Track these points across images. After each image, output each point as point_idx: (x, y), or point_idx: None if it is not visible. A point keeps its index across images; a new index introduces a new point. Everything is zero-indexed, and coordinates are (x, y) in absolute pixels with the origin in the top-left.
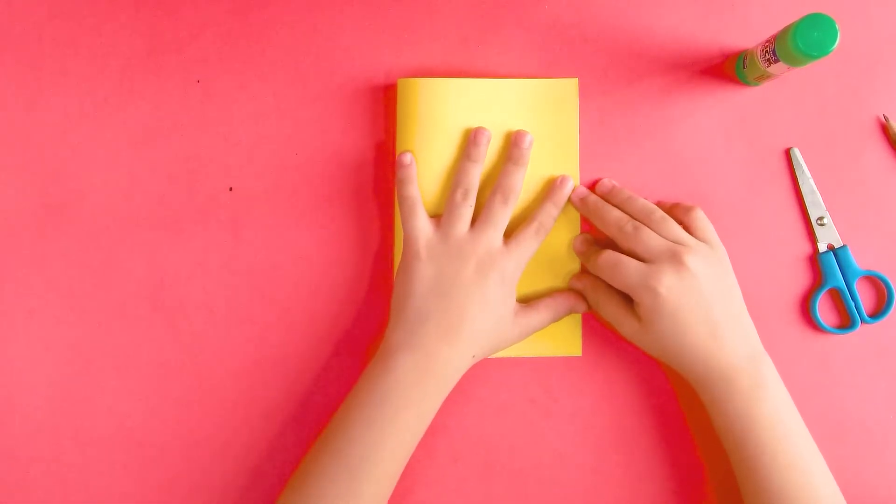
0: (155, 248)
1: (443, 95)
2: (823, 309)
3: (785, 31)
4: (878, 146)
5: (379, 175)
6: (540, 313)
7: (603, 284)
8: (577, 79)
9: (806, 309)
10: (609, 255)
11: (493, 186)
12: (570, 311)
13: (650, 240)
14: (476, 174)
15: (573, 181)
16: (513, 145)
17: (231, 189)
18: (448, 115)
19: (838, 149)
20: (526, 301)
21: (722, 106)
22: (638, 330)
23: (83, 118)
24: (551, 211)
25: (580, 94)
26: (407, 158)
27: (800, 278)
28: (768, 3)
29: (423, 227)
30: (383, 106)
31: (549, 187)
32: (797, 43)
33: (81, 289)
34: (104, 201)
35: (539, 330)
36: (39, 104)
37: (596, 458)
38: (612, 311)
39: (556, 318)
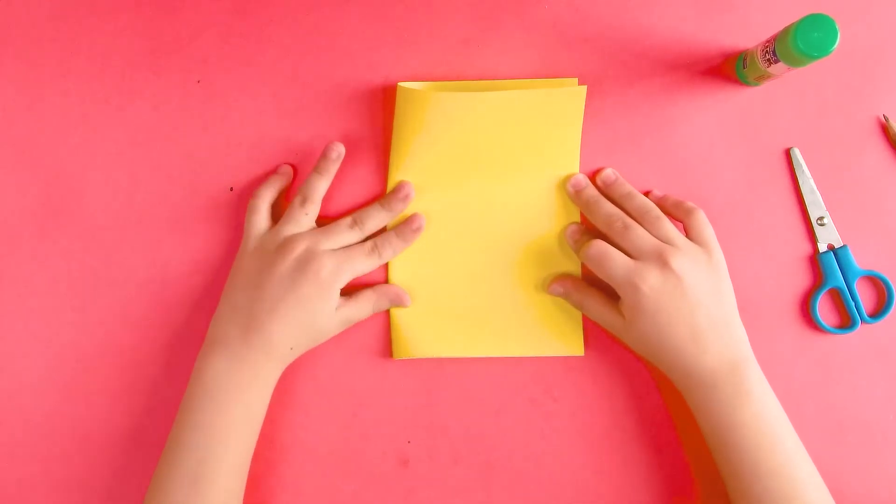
0: (155, 248)
1: (444, 110)
2: (823, 309)
3: (785, 31)
4: (878, 146)
5: (378, 175)
6: (359, 304)
7: (585, 284)
8: (585, 86)
9: (806, 309)
10: (598, 245)
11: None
12: (392, 305)
13: (639, 238)
14: (320, 185)
15: (423, 222)
16: (393, 195)
17: (231, 189)
18: (449, 129)
19: (838, 149)
20: (527, 297)
21: (722, 106)
22: (622, 327)
23: (83, 118)
24: (393, 241)
25: None
26: (284, 169)
27: (800, 278)
28: (768, 3)
29: (259, 223)
30: (383, 106)
31: (402, 222)
32: (797, 43)
33: (82, 288)
34: (105, 201)
35: (359, 320)
36: (39, 104)
37: (596, 458)
38: (596, 309)
39: (377, 311)
